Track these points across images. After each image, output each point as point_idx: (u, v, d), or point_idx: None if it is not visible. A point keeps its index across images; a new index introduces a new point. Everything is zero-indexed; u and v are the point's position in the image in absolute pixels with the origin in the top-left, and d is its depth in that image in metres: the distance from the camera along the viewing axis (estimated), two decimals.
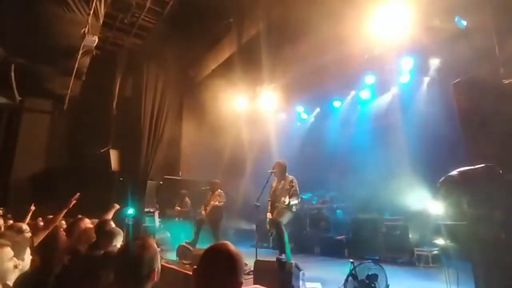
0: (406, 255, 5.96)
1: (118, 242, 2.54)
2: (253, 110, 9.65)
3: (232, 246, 1.27)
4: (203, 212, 6.77)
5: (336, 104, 9.31)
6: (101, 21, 6.72)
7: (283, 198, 4.91)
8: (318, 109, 9.95)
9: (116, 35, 10.44)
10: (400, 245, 6.09)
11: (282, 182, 5.14)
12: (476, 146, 2.80)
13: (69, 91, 8.99)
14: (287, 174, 5.22)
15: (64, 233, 3.74)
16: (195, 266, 1.23)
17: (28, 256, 2.21)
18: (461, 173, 2.47)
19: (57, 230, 3.42)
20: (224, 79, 9.74)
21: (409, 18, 5.81)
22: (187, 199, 9.02)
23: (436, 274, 4.92)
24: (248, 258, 5.34)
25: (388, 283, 3.22)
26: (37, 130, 10.10)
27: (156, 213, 9.60)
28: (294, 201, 4.87)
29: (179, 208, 8.94)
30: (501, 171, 2.38)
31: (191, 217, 8.61)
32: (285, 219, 4.91)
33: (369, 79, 7.98)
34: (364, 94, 8.51)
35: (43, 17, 6.11)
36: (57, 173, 9.72)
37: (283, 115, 10.46)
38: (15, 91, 8.59)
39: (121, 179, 10.12)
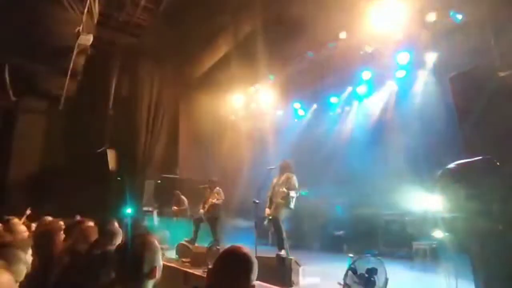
0: (404, 249, 6.00)
1: (118, 242, 2.54)
2: (250, 107, 9.64)
3: (247, 250, 1.35)
4: (201, 210, 6.77)
5: (333, 100, 9.31)
6: (95, 20, 6.66)
7: (281, 190, 4.92)
8: (315, 106, 9.94)
9: (111, 34, 10.35)
10: (398, 239, 6.13)
11: (282, 177, 5.16)
12: (473, 139, 2.81)
13: (64, 90, 8.92)
14: (288, 172, 5.25)
15: (63, 234, 3.73)
16: (210, 267, 1.29)
17: (29, 257, 2.22)
18: (458, 166, 2.48)
19: (54, 231, 3.39)
20: (220, 76, 9.71)
21: (405, 13, 5.81)
22: (182, 197, 9.00)
23: (434, 268, 4.97)
24: None
25: (387, 276, 3.24)
26: (33, 130, 10.01)
27: (155, 212, 9.59)
28: (292, 193, 4.87)
29: (176, 207, 8.92)
30: (498, 163, 2.39)
31: (189, 216, 8.60)
32: (282, 215, 4.92)
33: (366, 74, 7.98)
34: (361, 89, 8.52)
35: (37, 16, 6.05)
36: (53, 174, 9.66)
37: (280, 112, 10.44)
38: (10, 91, 8.51)
39: (118, 178, 10.08)
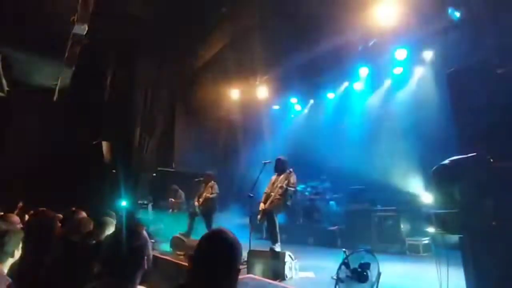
0: (397, 245, 6.05)
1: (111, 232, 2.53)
2: (247, 101, 9.60)
3: (230, 233, 1.25)
4: (196, 203, 6.78)
5: (330, 95, 9.31)
6: (90, 9, 6.54)
7: (279, 185, 4.93)
8: (312, 101, 9.93)
9: (107, 25, 10.22)
10: (392, 235, 6.18)
11: (281, 176, 5.16)
12: (469, 135, 2.82)
13: (59, 82, 8.81)
14: (288, 169, 5.25)
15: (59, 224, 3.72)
16: (191, 253, 1.20)
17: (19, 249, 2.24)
18: (453, 161, 2.49)
19: (52, 221, 3.38)
20: (217, 70, 9.65)
21: (403, 10, 5.79)
22: (180, 191, 9.00)
23: (427, 263, 5.02)
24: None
25: (380, 271, 3.26)
26: (27, 121, 9.91)
27: (150, 205, 9.57)
28: (291, 189, 4.88)
29: (173, 199, 8.92)
30: (492, 160, 2.41)
31: (184, 209, 8.60)
32: (278, 210, 4.92)
33: (363, 70, 7.98)
34: (358, 85, 8.52)
35: (30, 5, 5.94)
36: (48, 166, 9.58)
37: (276, 107, 10.43)
38: (3, 82, 8.39)
39: (113, 171, 10.04)
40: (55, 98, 9.59)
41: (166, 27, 9.96)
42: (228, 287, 1.17)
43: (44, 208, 4.91)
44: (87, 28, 6.39)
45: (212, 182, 6.84)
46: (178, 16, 9.48)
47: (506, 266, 2.33)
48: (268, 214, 4.81)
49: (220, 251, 1.18)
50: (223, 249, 1.18)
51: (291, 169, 5.16)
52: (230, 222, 8.01)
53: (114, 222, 2.68)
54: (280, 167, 5.26)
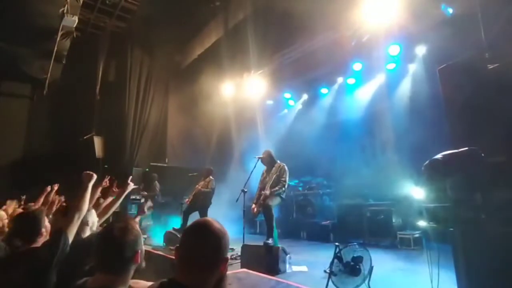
0: (389, 239, 6.13)
1: (92, 221, 2.51)
2: (240, 96, 9.55)
3: (215, 222, 1.23)
4: (186, 201, 6.77)
5: (324, 91, 9.32)
6: (81, 1, 6.42)
7: (269, 186, 4.92)
8: (305, 96, 9.93)
9: (97, 17, 10.04)
10: (384, 229, 6.25)
11: (272, 169, 5.14)
12: (460, 130, 2.85)
13: (49, 75, 8.64)
14: (278, 161, 5.22)
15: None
16: (177, 245, 1.19)
17: None
18: (445, 156, 2.51)
19: (39, 216, 3.32)
20: (210, 64, 9.58)
21: (397, 5, 5.81)
22: (156, 182, 8.95)
23: (417, 256, 5.11)
24: (235, 244, 5.40)
25: (372, 264, 3.30)
26: (16, 115, 9.71)
27: (142, 201, 9.51)
28: (275, 189, 4.87)
29: (145, 192, 8.85)
30: (483, 154, 2.44)
31: (159, 201, 8.60)
32: (275, 203, 4.92)
33: (357, 66, 7.99)
34: (351, 81, 8.54)
35: None
36: (38, 160, 9.43)
37: (270, 102, 10.40)
38: None
39: (106, 166, 9.93)
40: (45, 91, 9.40)
41: (159, 21, 9.83)
42: (216, 276, 1.15)
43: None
44: (76, 20, 6.26)
45: (210, 177, 6.83)
46: (171, 9, 9.36)
47: (496, 259, 2.37)
48: (265, 208, 4.78)
49: (205, 241, 1.16)
50: (208, 239, 1.16)
51: (283, 165, 5.13)
52: (224, 216, 8.02)
53: (93, 210, 2.65)
54: (266, 162, 5.25)
